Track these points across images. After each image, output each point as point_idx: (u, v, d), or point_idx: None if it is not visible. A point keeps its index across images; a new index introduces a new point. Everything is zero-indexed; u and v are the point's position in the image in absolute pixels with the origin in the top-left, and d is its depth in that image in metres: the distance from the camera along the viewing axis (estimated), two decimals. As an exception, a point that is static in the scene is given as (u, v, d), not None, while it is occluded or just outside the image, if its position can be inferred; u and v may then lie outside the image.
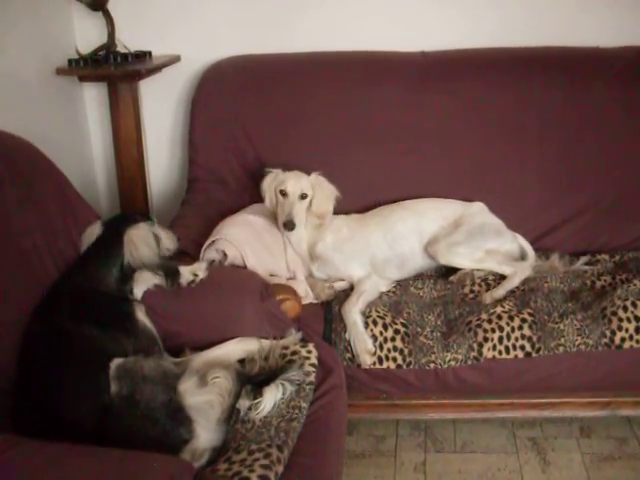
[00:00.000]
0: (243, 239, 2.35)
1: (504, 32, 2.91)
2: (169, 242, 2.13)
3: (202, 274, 2.04)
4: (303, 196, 2.44)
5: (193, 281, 2.02)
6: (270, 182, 2.49)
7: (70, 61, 2.75)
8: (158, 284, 1.98)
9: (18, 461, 1.30)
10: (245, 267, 2.32)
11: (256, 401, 1.69)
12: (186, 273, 2.02)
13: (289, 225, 2.38)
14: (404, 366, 2.22)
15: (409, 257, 2.58)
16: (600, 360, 2.22)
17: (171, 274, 2.00)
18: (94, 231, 2.01)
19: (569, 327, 2.22)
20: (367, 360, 2.20)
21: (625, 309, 2.23)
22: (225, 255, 2.33)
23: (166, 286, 1.98)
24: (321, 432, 1.77)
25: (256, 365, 1.83)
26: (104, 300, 1.87)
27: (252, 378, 1.77)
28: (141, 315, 1.91)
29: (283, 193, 2.44)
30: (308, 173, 2.50)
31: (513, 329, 2.22)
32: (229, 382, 1.69)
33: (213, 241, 2.36)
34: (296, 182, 2.44)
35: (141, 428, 1.54)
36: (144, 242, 1.98)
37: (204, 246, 2.36)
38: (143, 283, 1.97)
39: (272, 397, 1.70)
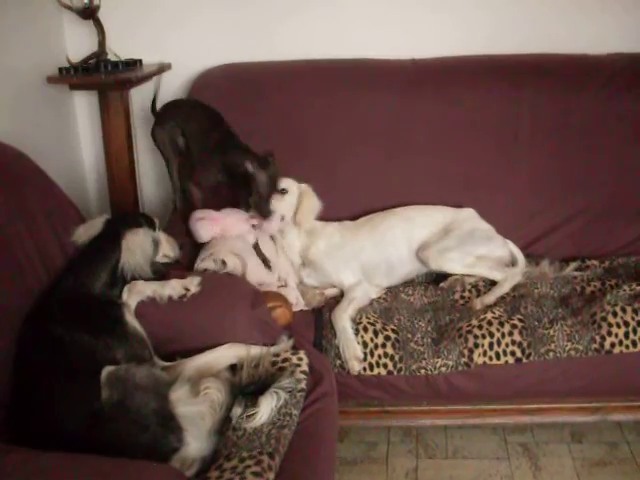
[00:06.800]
0: (241, 248, 2.36)
1: (494, 40, 2.92)
2: (169, 249, 2.14)
3: (194, 289, 2.01)
4: None
5: (184, 295, 2.00)
6: None
7: (61, 69, 2.75)
8: (151, 296, 1.97)
9: (7, 471, 1.30)
10: (242, 275, 2.31)
11: (253, 411, 1.69)
12: (178, 287, 2.00)
13: None
14: (395, 372, 2.22)
15: (397, 264, 2.59)
16: (590, 365, 2.23)
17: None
18: (95, 226, 2.03)
19: (559, 333, 2.23)
20: (355, 367, 2.20)
21: (615, 314, 2.24)
22: (224, 264, 2.30)
23: (158, 299, 1.97)
24: (312, 439, 1.76)
25: (246, 373, 1.82)
26: (94, 304, 1.87)
27: (244, 388, 1.76)
28: (130, 317, 1.90)
29: None
30: (299, 180, 2.56)
31: (503, 335, 2.22)
32: (221, 394, 1.69)
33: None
34: None
35: (131, 434, 1.53)
36: (140, 249, 1.98)
37: (199, 257, 2.35)
38: (137, 295, 1.97)
39: (268, 406, 1.70)
